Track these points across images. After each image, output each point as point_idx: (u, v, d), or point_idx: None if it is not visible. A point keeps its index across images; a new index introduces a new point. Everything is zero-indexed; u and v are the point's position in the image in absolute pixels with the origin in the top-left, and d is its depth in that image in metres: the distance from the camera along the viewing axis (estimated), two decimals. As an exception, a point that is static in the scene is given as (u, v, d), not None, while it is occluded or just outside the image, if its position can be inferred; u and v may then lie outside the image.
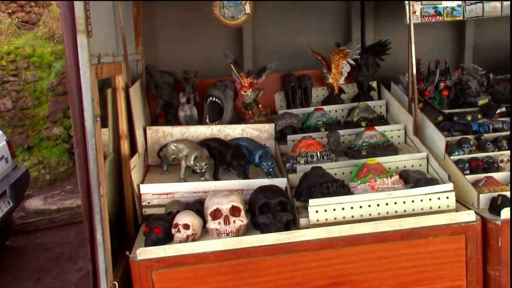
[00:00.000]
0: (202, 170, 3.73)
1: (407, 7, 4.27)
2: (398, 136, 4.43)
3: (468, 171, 3.86)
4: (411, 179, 3.73)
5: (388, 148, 4.11)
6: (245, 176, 3.86)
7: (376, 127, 4.31)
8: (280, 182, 3.71)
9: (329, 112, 4.72)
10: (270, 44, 5.32)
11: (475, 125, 4.27)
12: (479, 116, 4.42)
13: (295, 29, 5.36)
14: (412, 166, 3.99)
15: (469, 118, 4.38)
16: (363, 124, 4.44)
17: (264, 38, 5.33)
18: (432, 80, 4.79)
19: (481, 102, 4.66)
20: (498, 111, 4.47)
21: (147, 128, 4.24)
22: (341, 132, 4.32)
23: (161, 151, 4.16)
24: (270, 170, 3.74)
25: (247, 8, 4.13)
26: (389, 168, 3.90)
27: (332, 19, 5.39)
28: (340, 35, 5.37)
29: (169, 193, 3.68)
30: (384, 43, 4.75)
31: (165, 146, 4.07)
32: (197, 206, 3.51)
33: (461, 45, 5.50)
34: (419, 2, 4.48)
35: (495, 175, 3.77)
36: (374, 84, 4.99)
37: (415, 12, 4.49)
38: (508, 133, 4.14)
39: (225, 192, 3.42)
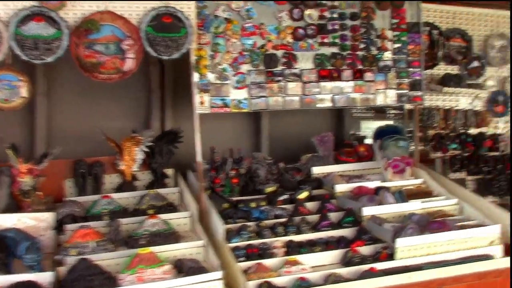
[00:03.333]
0: (-47, 266, 3.34)
1: (194, 98, 4.45)
2: (185, 224, 4.42)
3: (243, 258, 3.92)
4: (185, 267, 3.70)
5: (169, 236, 4.06)
6: (7, 271, 3.52)
7: (164, 215, 4.29)
8: (44, 277, 3.43)
9: (121, 199, 4.60)
10: (67, 127, 5.17)
11: (257, 212, 4.43)
12: (263, 203, 4.60)
13: (95, 113, 5.29)
14: (191, 254, 3.97)
15: (253, 205, 4.54)
16: (151, 212, 4.37)
17: (61, 121, 5.17)
18: (224, 168, 4.94)
19: (268, 189, 4.88)
20: (281, 198, 4.71)
21: None
22: (125, 220, 4.22)
23: None
24: (34, 264, 3.47)
25: (24, 91, 3.97)
26: (168, 257, 3.84)
27: (133, 106, 5.42)
28: (141, 122, 5.40)
29: None
30: (177, 131, 4.85)
31: None
32: None
33: (259, 135, 5.82)
34: (208, 94, 4.70)
35: (268, 261, 3.89)
36: (170, 171, 5.01)
37: (203, 103, 4.69)
38: (286, 219, 4.36)
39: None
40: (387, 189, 4.79)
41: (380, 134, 5.50)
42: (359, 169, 5.41)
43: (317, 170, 5.31)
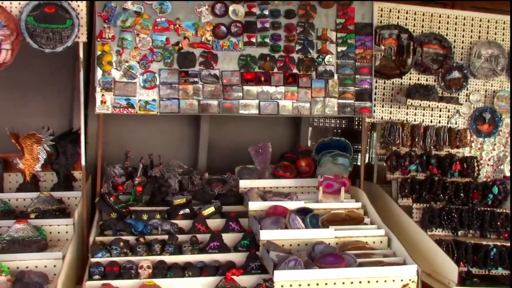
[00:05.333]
0: None
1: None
2: (67, 232, 4.06)
3: (98, 276, 3.50)
4: (24, 281, 3.35)
5: (32, 244, 3.72)
6: None
7: (46, 221, 3.99)
8: None
9: (16, 200, 4.34)
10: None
11: (141, 225, 3.98)
12: (158, 216, 4.13)
13: (21, 110, 5.08)
14: (46, 267, 3.61)
15: (145, 217, 4.09)
16: (32, 215, 4.06)
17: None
18: (135, 174, 4.54)
19: (177, 201, 4.41)
20: (181, 212, 4.23)
21: None
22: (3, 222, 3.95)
23: None
24: None
25: None
26: (17, 268, 3.53)
27: (59, 103, 5.15)
28: (66, 120, 5.12)
29: None
30: (78, 132, 4.51)
31: None
32: None
33: (197, 141, 5.36)
34: (111, 93, 4.33)
35: (120, 282, 3.48)
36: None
37: (105, 102, 4.33)
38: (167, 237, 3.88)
39: None
40: (303, 211, 4.16)
41: (321, 148, 4.84)
42: (294, 186, 4.80)
43: (245, 184, 4.75)
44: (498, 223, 4.43)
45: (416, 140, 5.11)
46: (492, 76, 5.40)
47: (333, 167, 4.62)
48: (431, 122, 5.33)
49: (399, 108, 5.28)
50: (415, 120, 5.29)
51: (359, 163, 5.28)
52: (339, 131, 6.51)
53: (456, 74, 5.34)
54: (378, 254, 3.89)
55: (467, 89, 5.40)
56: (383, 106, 5.24)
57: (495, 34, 5.42)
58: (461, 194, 4.66)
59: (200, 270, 3.64)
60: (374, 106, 5.18)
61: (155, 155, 4.79)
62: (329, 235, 3.96)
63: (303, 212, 4.18)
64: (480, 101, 5.43)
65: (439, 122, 5.34)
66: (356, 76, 4.70)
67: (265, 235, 3.86)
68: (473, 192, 4.68)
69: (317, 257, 3.61)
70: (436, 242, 4.09)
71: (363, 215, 4.35)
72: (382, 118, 5.23)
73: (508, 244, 4.25)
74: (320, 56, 4.62)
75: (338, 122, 6.47)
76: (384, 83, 5.22)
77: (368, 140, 5.76)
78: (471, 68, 5.34)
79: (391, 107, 5.26)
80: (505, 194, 4.66)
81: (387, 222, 4.26)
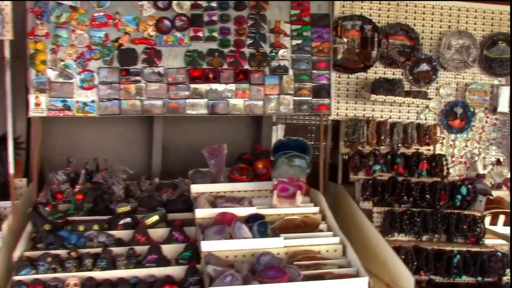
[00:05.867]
0: None
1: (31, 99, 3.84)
2: None
3: (22, 296, 3.22)
4: None
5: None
6: None
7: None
8: None
9: (-51, 211, 4.05)
10: None
11: (75, 237, 3.68)
12: (95, 227, 3.84)
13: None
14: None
15: (81, 228, 3.80)
16: (-42, 228, 3.77)
17: None
18: (78, 181, 4.25)
19: (120, 209, 4.10)
20: (121, 222, 3.93)
21: None
22: None
23: None
24: None
25: None
26: None
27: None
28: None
29: None
30: (14, 137, 4.20)
31: None
32: None
33: (151, 142, 5.05)
34: (47, 95, 4.03)
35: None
36: (23, 181, 4.39)
37: (40, 105, 4.03)
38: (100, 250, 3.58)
39: None
40: (254, 218, 3.86)
41: (279, 148, 4.53)
42: (250, 189, 4.49)
43: (198, 189, 4.44)
44: (465, 227, 4.13)
45: (382, 138, 4.82)
46: (463, 68, 5.11)
47: (289, 169, 4.31)
48: (399, 118, 5.03)
49: (365, 104, 5.00)
50: (382, 117, 4.99)
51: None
52: (313, 128, 6.19)
53: (424, 66, 5.04)
54: (332, 265, 3.58)
55: (437, 83, 5.11)
56: (347, 103, 4.96)
57: (466, 23, 5.12)
58: (427, 196, 4.35)
59: (133, 286, 3.34)
60: (338, 102, 4.92)
61: (106, 159, 4.51)
62: (278, 244, 3.66)
63: (253, 219, 3.88)
64: (451, 95, 5.14)
65: (408, 118, 5.04)
66: (313, 71, 4.39)
67: (207, 246, 3.56)
68: (440, 193, 4.37)
69: (259, 270, 3.31)
70: (395, 249, 3.80)
71: (320, 221, 4.05)
72: (346, 115, 4.94)
73: (474, 249, 3.96)
74: (273, 50, 4.32)
75: (312, 118, 6.12)
76: (348, 77, 4.94)
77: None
78: (440, 60, 5.05)
79: (356, 103, 4.98)
80: (474, 194, 4.36)
81: (348, 227, 3.98)
